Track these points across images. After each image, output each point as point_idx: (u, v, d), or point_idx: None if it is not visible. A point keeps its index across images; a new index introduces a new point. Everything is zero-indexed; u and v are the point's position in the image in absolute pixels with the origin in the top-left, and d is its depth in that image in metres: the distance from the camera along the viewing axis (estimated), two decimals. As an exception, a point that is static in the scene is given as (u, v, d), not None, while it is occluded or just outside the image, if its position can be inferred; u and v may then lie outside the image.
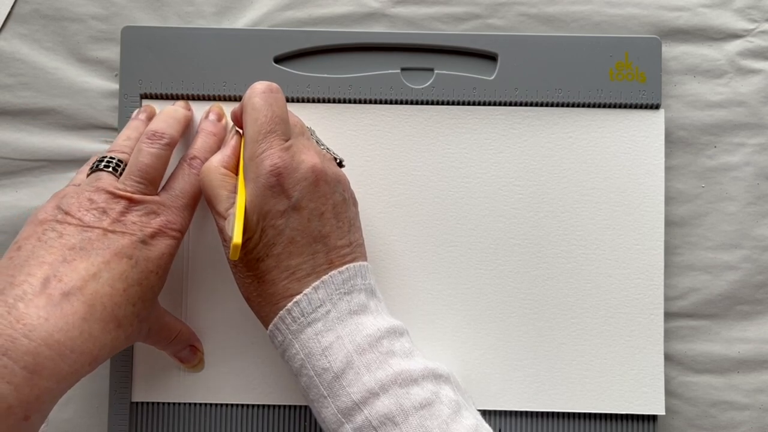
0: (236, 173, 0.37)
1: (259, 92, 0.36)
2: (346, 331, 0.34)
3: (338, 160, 0.39)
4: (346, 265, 0.35)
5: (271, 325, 0.35)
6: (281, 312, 0.35)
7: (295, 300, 0.34)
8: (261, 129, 0.35)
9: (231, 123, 0.42)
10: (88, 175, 0.38)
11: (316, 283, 0.34)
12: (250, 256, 0.35)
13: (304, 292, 0.34)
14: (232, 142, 0.38)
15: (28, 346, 0.30)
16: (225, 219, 0.35)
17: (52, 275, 0.33)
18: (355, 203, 0.38)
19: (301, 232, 0.35)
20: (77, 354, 0.32)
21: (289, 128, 0.36)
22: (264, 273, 0.35)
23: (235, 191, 0.36)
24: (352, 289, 0.35)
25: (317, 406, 0.34)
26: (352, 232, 0.37)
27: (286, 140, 0.35)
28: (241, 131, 0.38)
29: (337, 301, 0.35)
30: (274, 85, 0.36)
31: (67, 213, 0.35)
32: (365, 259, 0.37)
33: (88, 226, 0.35)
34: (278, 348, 0.36)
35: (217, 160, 0.37)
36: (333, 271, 0.35)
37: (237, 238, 0.33)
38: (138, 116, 0.41)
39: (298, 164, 0.35)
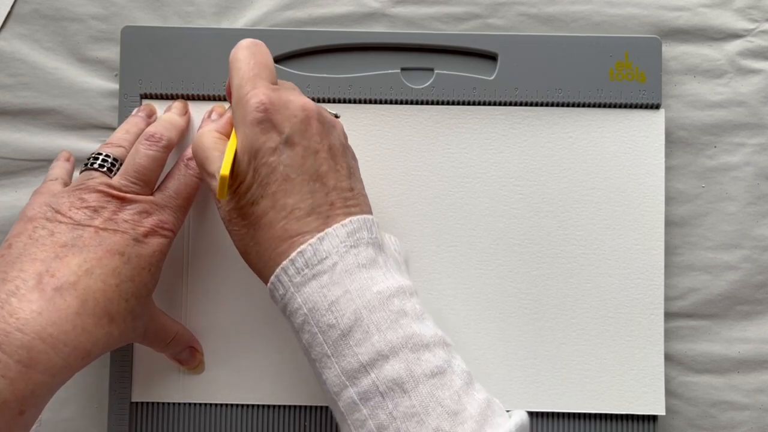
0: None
1: (243, 46, 0.35)
2: (355, 286, 0.31)
3: (334, 114, 0.37)
4: (350, 218, 0.33)
5: (272, 277, 0.33)
6: (284, 262, 0.32)
7: (299, 250, 0.32)
8: (245, 75, 0.34)
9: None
10: (81, 172, 0.38)
11: (321, 234, 0.32)
12: (244, 200, 0.33)
13: (309, 242, 0.32)
14: (227, 113, 0.38)
15: (22, 340, 0.31)
16: (216, 178, 0.34)
17: (45, 271, 0.33)
18: (354, 158, 0.36)
19: (295, 168, 0.33)
20: (70, 348, 0.32)
21: (274, 75, 0.35)
22: (260, 216, 0.33)
23: None
24: (358, 242, 0.32)
25: (319, 366, 0.32)
26: (353, 180, 0.34)
27: (273, 84, 0.34)
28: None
29: (344, 254, 0.32)
30: (258, 40, 0.36)
31: (57, 211, 0.35)
32: (370, 212, 0.35)
33: (80, 225, 0.35)
34: (279, 303, 0.33)
35: (210, 126, 0.36)
36: (336, 224, 0.32)
37: (224, 169, 0.31)
38: (137, 114, 0.42)
39: (287, 102, 0.33)
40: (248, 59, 0.34)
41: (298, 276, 0.32)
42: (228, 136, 0.36)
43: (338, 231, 0.32)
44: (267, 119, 0.33)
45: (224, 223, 0.35)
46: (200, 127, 0.42)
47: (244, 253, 0.35)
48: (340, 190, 0.33)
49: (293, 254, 0.32)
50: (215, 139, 0.35)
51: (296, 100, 0.34)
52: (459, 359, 0.32)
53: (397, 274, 0.33)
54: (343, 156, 0.34)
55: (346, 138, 0.36)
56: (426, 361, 0.31)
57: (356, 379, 0.31)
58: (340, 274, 0.32)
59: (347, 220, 0.33)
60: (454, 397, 0.30)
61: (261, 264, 0.34)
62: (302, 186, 0.33)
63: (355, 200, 0.34)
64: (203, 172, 0.35)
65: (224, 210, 0.35)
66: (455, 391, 0.30)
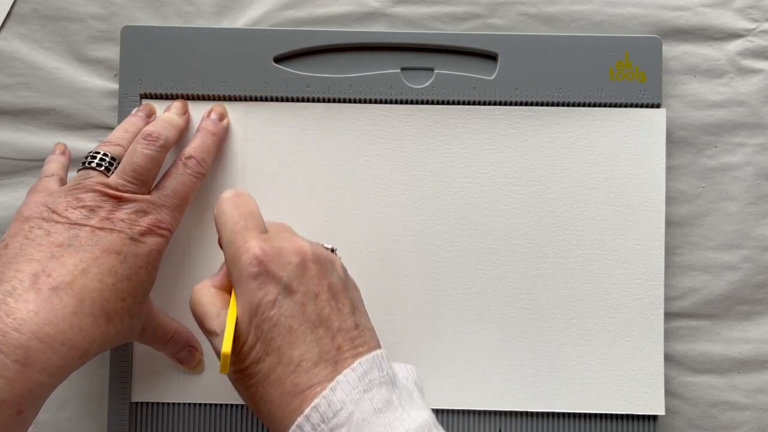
0: (228, 293, 0.35)
1: (226, 199, 0.35)
2: None
3: (330, 248, 0.36)
4: (358, 360, 0.32)
5: None
6: (299, 419, 0.30)
7: (312, 405, 0.30)
8: (233, 229, 0.33)
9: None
10: (78, 170, 0.38)
11: (332, 383, 0.31)
12: (249, 360, 0.32)
13: (321, 394, 0.31)
14: (224, 267, 0.36)
15: (19, 340, 0.31)
16: (217, 336, 0.33)
17: (41, 271, 0.33)
18: (356, 288, 0.35)
19: (297, 318, 0.32)
20: (68, 347, 0.32)
21: (262, 223, 0.34)
22: (267, 374, 0.32)
23: (226, 308, 0.34)
24: (371, 385, 0.31)
25: None
26: (357, 315, 0.33)
27: (263, 232, 0.34)
28: None
29: (358, 401, 0.31)
30: (241, 189, 0.35)
31: (54, 211, 0.35)
32: (379, 346, 0.33)
33: (76, 224, 0.35)
34: None
35: (207, 281, 0.35)
36: (346, 369, 0.31)
37: (226, 346, 0.31)
38: (137, 113, 0.42)
39: (280, 249, 0.33)
40: (232, 211, 0.34)
41: None
42: (225, 290, 0.35)
43: (349, 377, 0.31)
44: (263, 272, 0.32)
45: (231, 381, 0.34)
46: (199, 126, 0.41)
47: (256, 411, 0.33)
48: (345, 330, 0.32)
49: (307, 410, 0.31)
50: (212, 294, 0.34)
51: (288, 245, 0.33)
52: None
53: (413, 410, 0.32)
54: (344, 292, 0.34)
55: (345, 271, 0.35)
56: None
57: None
58: (358, 424, 0.30)
59: (356, 363, 0.32)
60: None
61: (276, 422, 0.32)
62: (306, 335, 0.32)
63: (362, 338, 0.33)
64: (202, 329, 0.34)
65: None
66: None
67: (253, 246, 0.32)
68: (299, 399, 0.31)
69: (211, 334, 0.33)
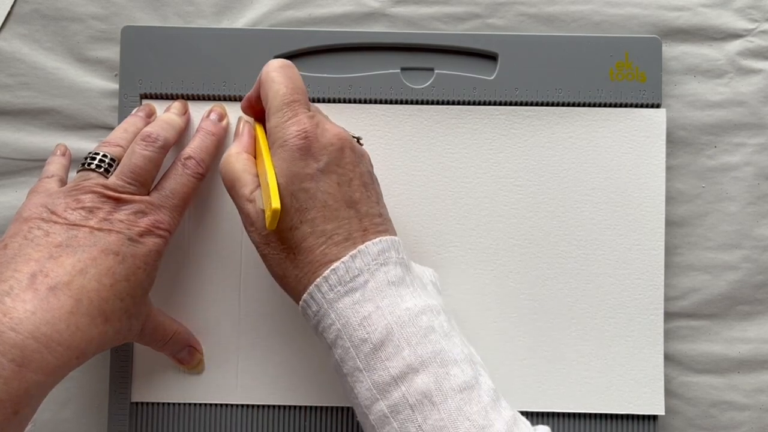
0: (255, 158, 0.37)
1: (277, 67, 0.35)
2: (386, 303, 0.33)
3: (357, 138, 0.38)
4: (379, 237, 0.34)
5: (305, 294, 0.34)
6: (317, 280, 0.33)
7: (332, 267, 0.33)
8: (284, 99, 0.34)
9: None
10: (78, 171, 0.38)
11: (353, 251, 0.33)
12: (283, 225, 0.34)
13: (341, 259, 0.33)
14: (246, 129, 0.38)
15: (15, 339, 0.31)
16: (251, 202, 0.35)
17: (39, 271, 0.33)
18: (379, 184, 0.37)
19: (332, 195, 0.34)
20: (64, 347, 0.32)
21: (308, 101, 0.36)
22: (299, 241, 0.34)
23: (258, 174, 0.35)
24: (387, 261, 0.34)
25: (351, 380, 0.33)
26: (380, 206, 0.36)
27: (309, 110, 0.35)
28: (251, 120, 0.38)
29: (375, 272, 0.33)
30: (289, 61, 0.36)
31: (53, 212, 0.35)
32: (396, 235, 0.36)
33: (75, 225, 0.35)
34: (312, 320, 0.34)
35: (236, 147, 0.37)
36: (368, 242, 0.34)
37: (275, 202, 0.32)
38: (137, 113, 0.42)
39: (324, 131, 0.34)
40: (286, 82, 0.35)
41: (332, 292, 0.33)
42: (253, 154, 0.37)
43: (370, 249, 0.34)
44: (307, 147, 0.34)
45: (258, 246, 0.36)
46: (199, 126, 0.41)
47: (281, 277, 0.35)
48: (371, 216, 0.35)
49: (326, 272, 0.33)
50: (245, 160, 0.36)
51: (331, 129, 0.35)
52: (486, 377, 0.33)
53: (423, 294, 0.34)
54: (372, 183, 0.36)
55: (372, 166, 0.37)
56: (454, 376, 0.32)
57: (387, 392, 0.32)
58: (372, 290, 0.33)
59: (378, 239, 0.34)
60: (481, 413, 0.31)
61: (300, 287, 0.34)
62: (340, 212, 0.34)
63: (384, 226, 0.35)
64: (234, 196, 0.36)
65: (259, 234, 0.35)
66: (483, 407, 0.31)
67: (303, 120, 0.34)
68: (325, 267, 0.33)
69: (245, 200, 0.35)
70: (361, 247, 0.33)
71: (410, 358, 0.32)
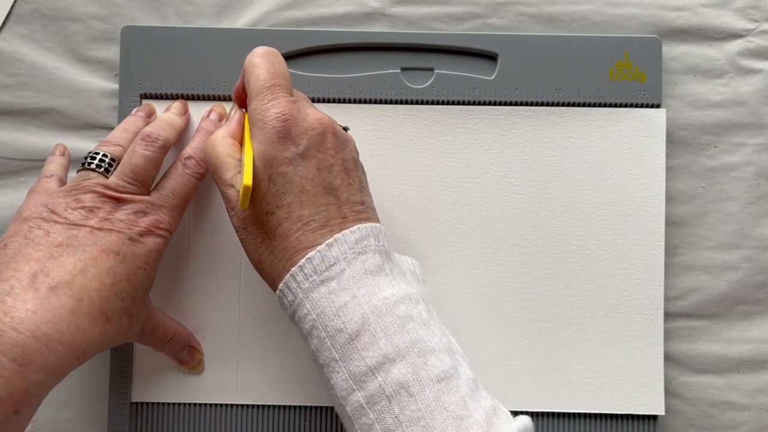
0: (242, 145, 0.36)
1: (260, 53, 0.35)
2: (362, 292, 0.32)
3: (343, 126, 0.38)
4: (358, 225, 0.33)
5: (281, 284, 0.33)
6: (293, 269, 0.33)
7: (307, 256, 0.32)
8: (265, 83, 0.34)
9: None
10: (78, 171, 0.38)
11: (330, 240, 0.33)
12: (259, 209, 0.34)
13: (317, 248, 0.32)
14: (235, 116, 0.37)
15: (16, 339, 0.31)
16: (232, 186, 0.34)
17: (39, 270, 0.33)
18: (364, 172, 0.37)
19: (311, 180, 0.33)
20: (65, 347, 0.32)
21: (291, 87, 0.35)
22: (275, 227, 0.33)
23: (242, 160, 0.35)
24: (366, 249, 0.33)
25: (327, 371, 0.32)
26: (363, 194, 0.35)
27: (291, 95, 0.35)
28: (243, 109, 0.38)
29: (352, 260, 0.32)
30: (273, 48, 0.36)
31: (53, 212, 0.35)
32: (378, 222, 0.35)
33: (75, 225, 0.35)
34: (287, 309, 0.34)
35: (223, 132, 0.36)
36: (345, 230, 0.33)
37: (247, 179, 0.32)
38: (137, 113, 0.42)
39: (305, 115, 0.34)
40: (267, 67, 0.35)
41: (307, 282, 0.32)
42: (240, 141, 0.36)
43: (347, 237, 0.33)
44: (286, 129, 0.33)
45: (237, 231, 0.35)
46: (199, 126, 0.42)
47: (257, 263, 0.35)
48: (352, 203, 0.34)
49: (302, 261, 0.32)
50: (229, 145, 0.36)
51: (313, 113, 0.34)
52: (465, 366, 0.33)
53: (403, 282, 0.34)
54: (355, 170, 0.35)
55: (357, 153, 0.37)
56: (432, 365, 0.31)
57: (363, 383, 0.31)
58: (348, 280, 0.32)
59: (356, 227, 0.33)
60: (459, 403, 0.31)
61: (275, 273, 0.34)
62: (317, 198, 0.33)
63: (365, 213, 0.35)
64: (217, 180, 0.35)
65: (238, 218, 0.35)
66: (461, 397, 0.31)
67: (282, 103, 0.34)
68: (301, 255, 0.33)
69: (226, 185, 0.35)
70: (338, 235, 0.33)
71: (387, 348, 0.31)
